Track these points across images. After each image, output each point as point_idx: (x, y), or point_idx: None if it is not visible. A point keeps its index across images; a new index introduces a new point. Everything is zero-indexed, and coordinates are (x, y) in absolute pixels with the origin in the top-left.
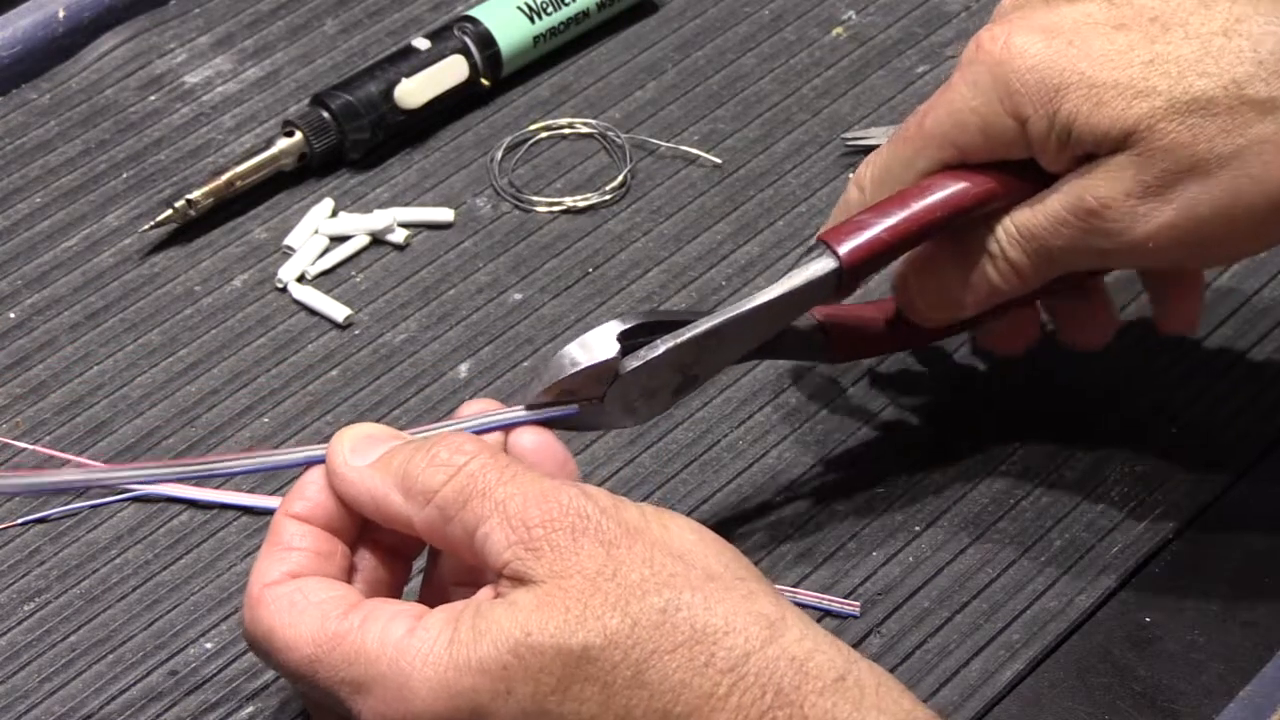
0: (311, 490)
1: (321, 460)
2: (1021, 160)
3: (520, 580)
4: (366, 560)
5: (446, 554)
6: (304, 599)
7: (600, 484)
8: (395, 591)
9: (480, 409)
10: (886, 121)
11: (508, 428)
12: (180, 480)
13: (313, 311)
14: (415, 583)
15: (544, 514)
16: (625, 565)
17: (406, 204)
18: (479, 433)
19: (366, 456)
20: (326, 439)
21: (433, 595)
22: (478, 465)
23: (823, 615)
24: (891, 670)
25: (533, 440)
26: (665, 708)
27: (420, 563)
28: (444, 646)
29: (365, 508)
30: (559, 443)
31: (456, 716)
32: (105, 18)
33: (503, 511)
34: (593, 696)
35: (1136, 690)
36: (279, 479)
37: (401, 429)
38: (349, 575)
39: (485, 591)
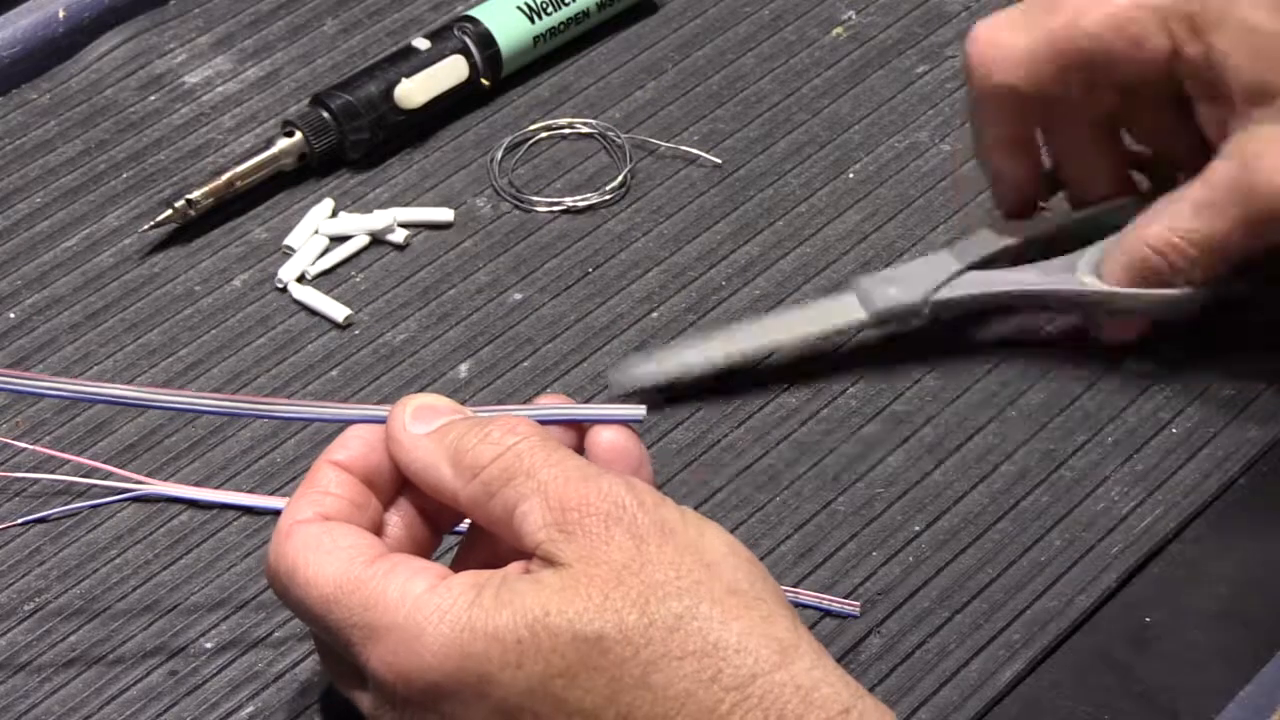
0: (356, 443)
1: (379, 420)
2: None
3: (550, 561)
4: (397, 522)
5: (481, 538)
6: (331, 540)
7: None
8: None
9: (554, 401)
10: (886, 121)
11: (575, 423)
12: (230, 414)
13: (313, 311)
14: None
15: (582, 498)
16: (652, 563)
17: (406, 204)
18: (546, 424)
19: (426, 425)
20: (327, 439)
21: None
22: (526, 446)
23: (823, 615)
24: (891, 670)
25: (610, 437)
26: (666, 714)
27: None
28: (464, 608)
29: (415, 473)
30: (638, 443)
31: (462, 678)
32: (105, 18)
33: (543, 492)
34: (598, 688)
35: (1136, 690)
36: (279, 478)
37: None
38: (378, 531)
39: (515, 566)
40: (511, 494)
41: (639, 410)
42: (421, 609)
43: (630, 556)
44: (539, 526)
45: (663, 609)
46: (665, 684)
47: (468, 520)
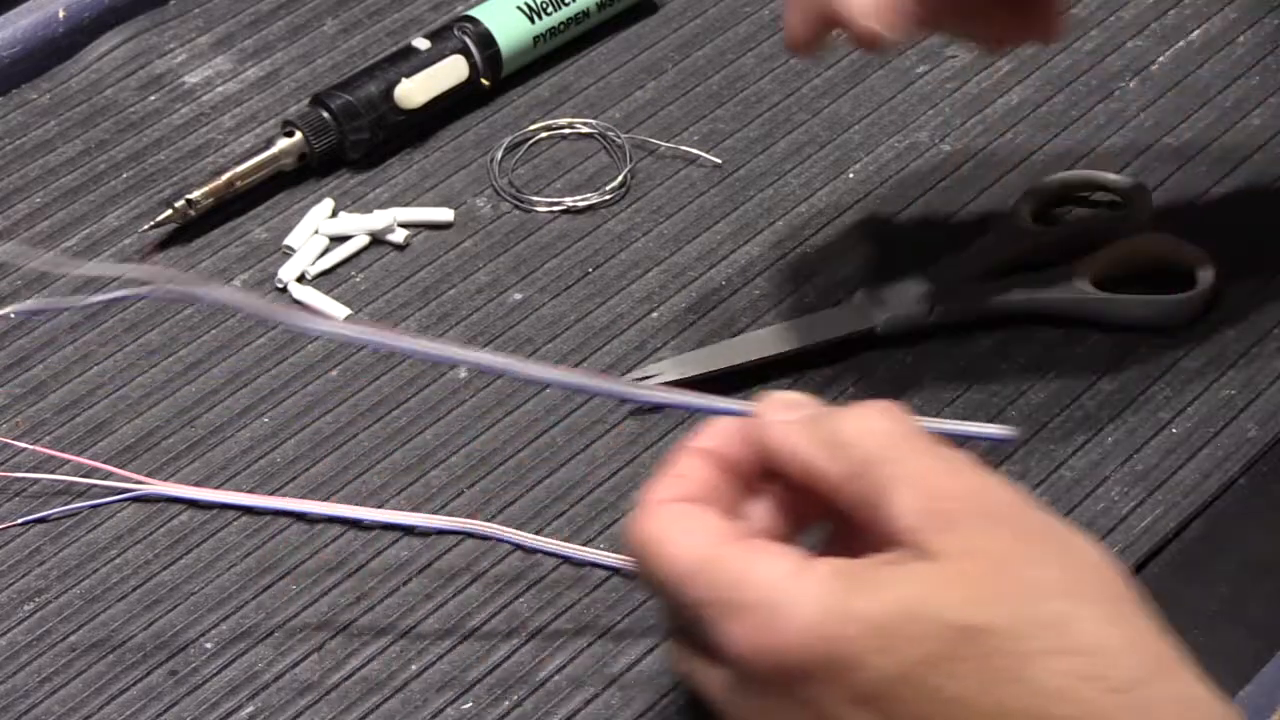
0: (720, 434)
1: (740, 414)
2: None
3: (922, 551)
4: (758, 515)
5: (837, 539)
6: (693, 519)
7: (600, 484)
8: None
9: (793, 400)
10: (886, 121)
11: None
12: (578, 389)
13: (313, 312)
14: None
15: (959, 489)
16: (1034, 561)
17: (406, 204)
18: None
19: (795, 414)
20: (327, 439)
21: None
22: (901, 430)
23: None
24: None
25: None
26: (1043, 708)
27: None
28: (831, 591)
29: (785, 455)
30: None
31: (827, 660)
32: (105, 18)
33: (917, 479)
34: (970, 676)
35: None
36: (279, 478)
37: (403, 430)
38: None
39: (879, 556)
40: (883, 475)
41: (1010, 432)
42: (787, 589)
43: (1009, 551)
44: (910, 512)
45: (1044, 606)
46: (1044, 679)
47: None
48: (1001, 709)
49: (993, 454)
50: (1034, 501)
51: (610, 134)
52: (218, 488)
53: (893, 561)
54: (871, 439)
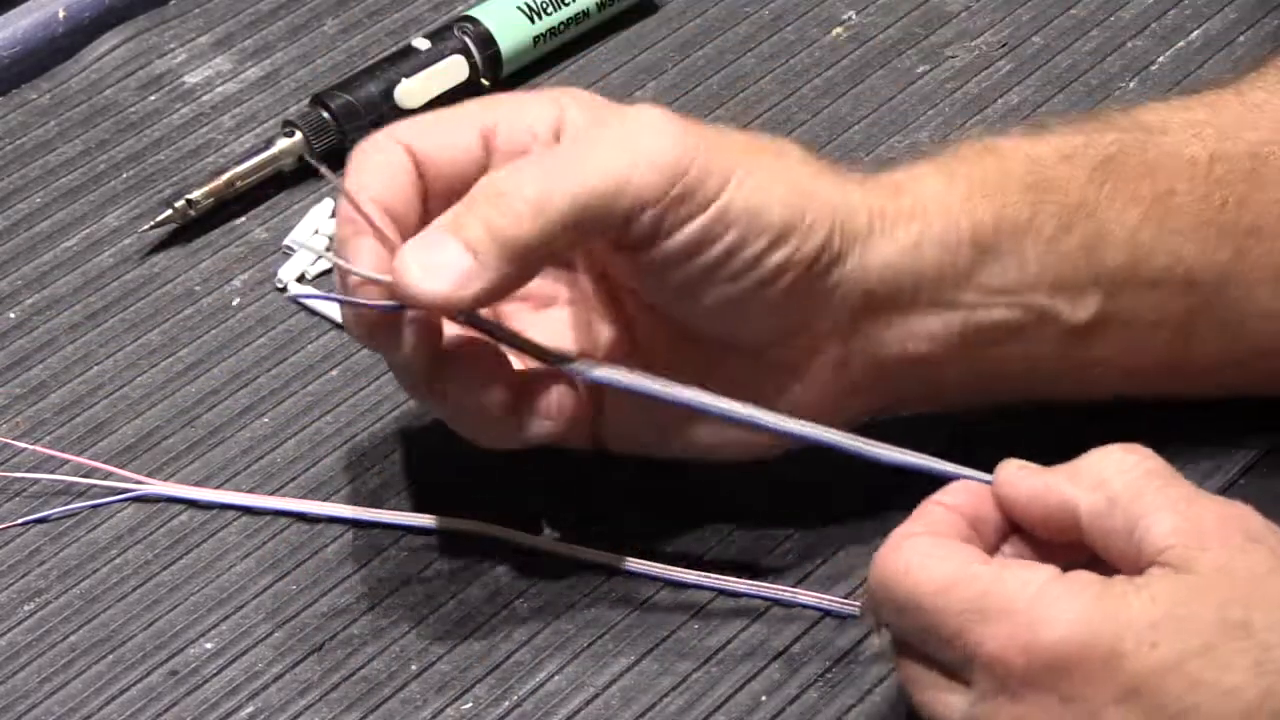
0: (962, 491)
1: (985, 481)
2: None
3: (1182, 566)
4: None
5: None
6: (943, 545)
7: (601, 491)
8: None
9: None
10: (886, 121)
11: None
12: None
13: (313, 311)
14: None
15: (1217, 516)
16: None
17: None
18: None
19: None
20: (327, 439)
21: None
22: (1153, 465)
23: (823, 615)
24: (891, 671)
25: None
26: None
27: None
28: (1092, 594)
29: (1030, 497)
30: None
31: (1093, 653)
32: (105, 18)
33: (1174, 507)
34: (1242, 666)
35: None
36: (279, 478)
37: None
38: None
39: (1134, 577)
40: (1137, 507)
41: (987, 477)
42: (1045, 593)
43: (1267, 566)
44: (1168, 533)
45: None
46: None
47: None
48: (1273, 696)
49: (992, 457)
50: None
51: None
52: (218, 488)
53: (1153, 574)
54: (1125, 477)
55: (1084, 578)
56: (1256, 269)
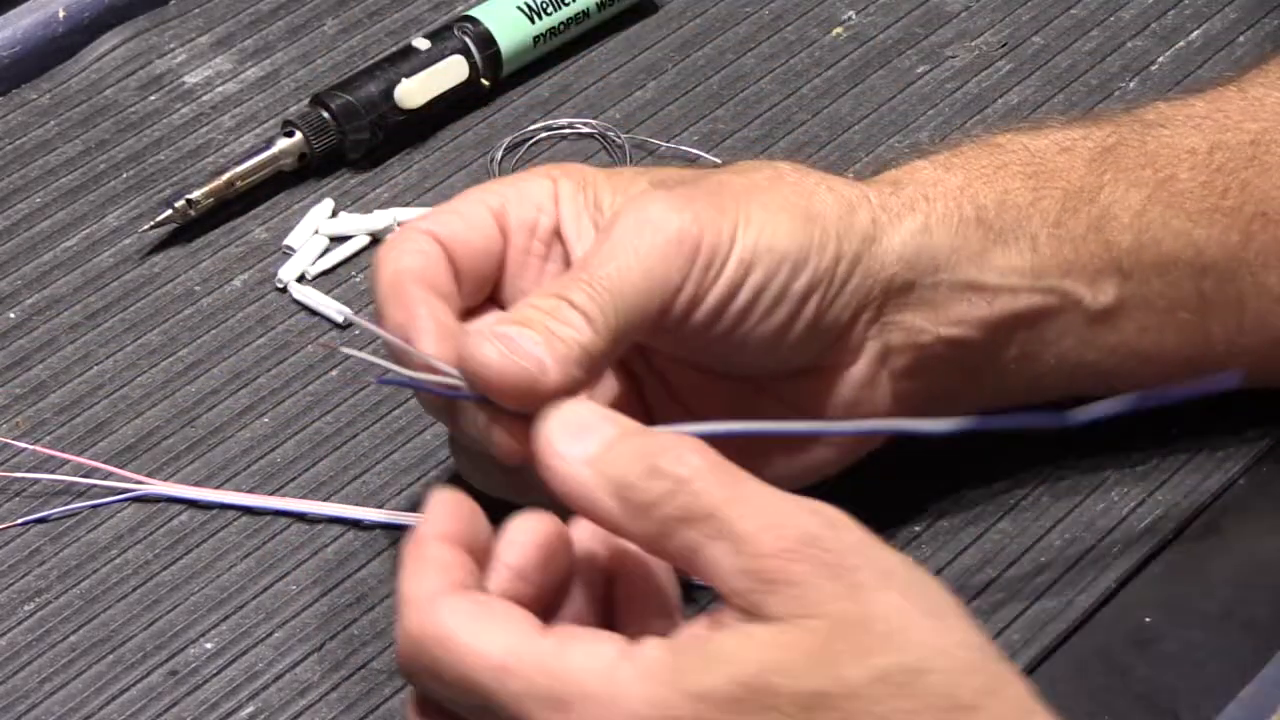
0: (446, 518)
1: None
2: None
3: (751, 613)
4: (566, 603)
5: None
6: (489, 610)
7: None
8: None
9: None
10: (886, 121)
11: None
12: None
13: (313, 311)
14: None
15: (778, 542)
16: (874, 615)
17: (406, 204)
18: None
19: (579, 445)
20: (327, 439)
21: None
22: (701, 480)
23: None
24: None
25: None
26: None
27: None
28: (666, 670)
29: (573, 503)
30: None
31: None
32: (105, 18)
33: (730, 535)
34: None
35: (1136, 690)
36: (279, 478)
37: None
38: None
39: (704, 620)
40: (691, 537)
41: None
42: (617, 674)
43: (848, 607)
44: (733, 574)
45: (892, 663)
46: None
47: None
48: None
49: (993, 457)
50: (867, 535)
51: (610, 134)
52: (218, 488)
53: (726, 625)
54: (673, 501)
55: (654, 650)
56: (1264, 254)
